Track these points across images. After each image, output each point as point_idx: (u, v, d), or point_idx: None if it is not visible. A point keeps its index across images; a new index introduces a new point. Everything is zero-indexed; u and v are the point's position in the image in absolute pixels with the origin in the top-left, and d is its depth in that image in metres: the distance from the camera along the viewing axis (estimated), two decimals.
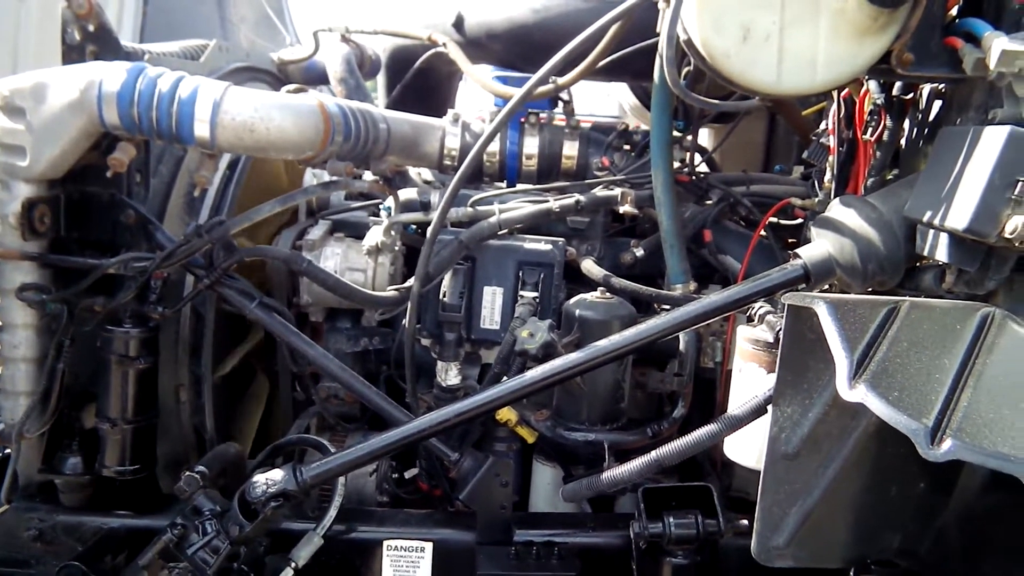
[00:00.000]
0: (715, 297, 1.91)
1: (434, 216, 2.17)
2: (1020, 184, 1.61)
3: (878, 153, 2.10)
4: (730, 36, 1.82)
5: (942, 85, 2.04)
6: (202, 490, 1.96)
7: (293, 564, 1.99)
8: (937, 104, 2.09)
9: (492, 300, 2.32)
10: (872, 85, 2.10)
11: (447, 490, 2.26)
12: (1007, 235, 1.61)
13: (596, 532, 2.17)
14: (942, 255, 1.76)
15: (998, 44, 1.69)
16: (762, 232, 2.36)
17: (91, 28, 2.06)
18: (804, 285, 1.95)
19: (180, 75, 1.97)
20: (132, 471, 2.14)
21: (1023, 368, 1.45)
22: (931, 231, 1.80)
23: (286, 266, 2.15)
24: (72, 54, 2.07)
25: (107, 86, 1.93)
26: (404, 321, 2.21)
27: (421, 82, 2.87)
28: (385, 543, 2.13)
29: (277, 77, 2.84)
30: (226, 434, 2.45)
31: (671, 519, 2.02)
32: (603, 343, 1.91)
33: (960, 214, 1.66)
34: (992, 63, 1.70)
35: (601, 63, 2.18)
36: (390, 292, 2.25)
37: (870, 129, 2.11)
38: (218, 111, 1.95)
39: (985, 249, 1.73)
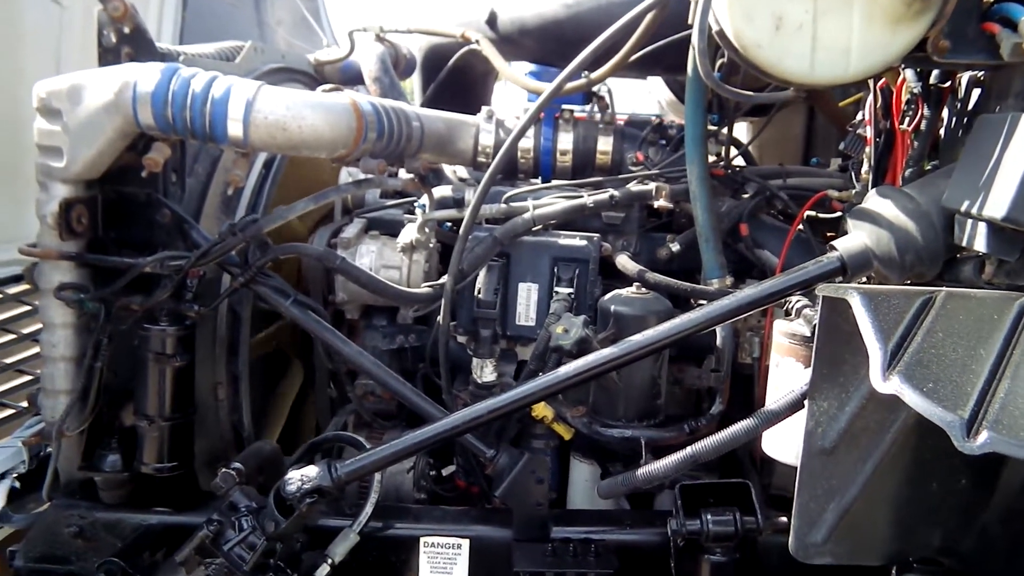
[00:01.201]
0: (750, 291, 1.88)
1: (467, 213, 2.17)
2: None
3: (915, 143, 2.05)
4: (762, 26, 1.79)
5: (981, 73, 1.99)
6: (238, 486, 1.97)
7: (329, 560, 2.00)
8: (976, 93, 2.05)
9: (527, 296, 2.32)
10: (909, 74, 2.06)
11: (484, 487, 2.25)
12: None
13: (633, 529, 2.15)
14: (981, 245, 1.72)
15: None
16: (800, 226, 2.32)
17: (126, 30, 2.08)
18: (841, 278, 1.93)
19: (214, 75, 1.99)
20: (170, 468, 2.16)
21: None
22: (969, 221, 1.76)
23: (320, 264, 2.15)
24: (108, 56, 2.10)
25: (141, 87, 1.95)
26: (439, 318, 2.22)
27: (456, 80, 2.88)
28: (422, 540, 2.13)
29: (313, 78, 2.86)
30: (260, 430, 2.47)
31: (709, 516, 2.00)
32: (637, 338, 1.90)
33: (998, 202, 1.62)
34: None
35: (633, 57, 2.16)
36: (424, 289, 2.25)
37: (907, 119, 2.07)
38: (251, 110, 1.96)
39: (1022, 238, 1.69)
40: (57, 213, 2.03)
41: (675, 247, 2.39)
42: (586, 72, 2.19)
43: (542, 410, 2.22)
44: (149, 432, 2.14)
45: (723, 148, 2.45)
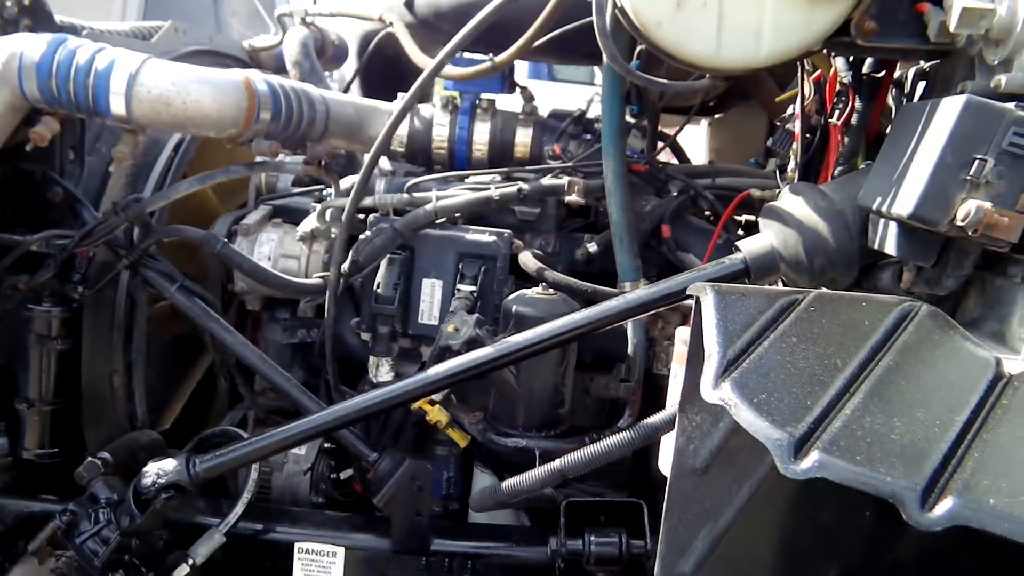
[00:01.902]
0: (642, 292, 1.73)
1: (348, 202, 2.06)
2: (976, 163, 1.38)
3: (846, 139, 1.87)
4: (662, 2, 1.65)
5: (928, 64, 1.81)
6: (102, 477, 1.89)
7: (190, 561, 1.90)
8: (922, 86, 1.87)
9: (431, 293, 2.18)
10: (839, 62, 1.88)
11: (367, 494, 2.13)
12: (959, 222, 1.39)
13: (521, 546, 2.00)
14: (891, 247, 1.54)
15: (959, 2, 1.47)
16: (734, 229, 2.16)
17: (26, 2, 2.03)
18: (746, 280, 1.76)
19: (100, 47, 1.92)
20: (51, 455, 2.09)
21: (935, 377, 1.22)
22: (882, 220, 1.59)
23: (204, 247, 2.06)
24: (8, 28, 2.04)
25: (27, 57, 1.89)
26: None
27: (390, 67, 2.76)
28: (296, 545, 2.02)
29: (245, 63, 2.78)
30: (160, 418, 2.38)
31: (592, 537, 1.85)
32: (517, 338, 1.76)
33: (907, 199, 1.45)
34: (952, 24, 1.48)
35: (541, 40, 2.02)
36: (313, 280, 2.14)
37: (837, 112, 1.89)
38: (134, 83, 1.88)
39: (941, 241, 1.51)
40: None
41: (592, 248, 2.23)
42: (491, 56, 2.07)
43: (436, 414, 2.08)
44: (30, 416, 2.08)
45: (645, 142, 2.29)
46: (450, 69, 2.12)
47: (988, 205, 1.36)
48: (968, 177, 1.37)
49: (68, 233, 2.00)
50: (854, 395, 1.17)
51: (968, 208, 1.36)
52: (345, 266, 2.11)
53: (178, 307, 2.06)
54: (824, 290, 1.41)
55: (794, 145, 1.98)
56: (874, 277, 1.72)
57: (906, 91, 1.92)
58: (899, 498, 0.98)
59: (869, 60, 1.87)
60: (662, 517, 1.55)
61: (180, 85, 1.91)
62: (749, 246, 1.74)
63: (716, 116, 3.00)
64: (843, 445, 1.09)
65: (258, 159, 2.03)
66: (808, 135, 1.99)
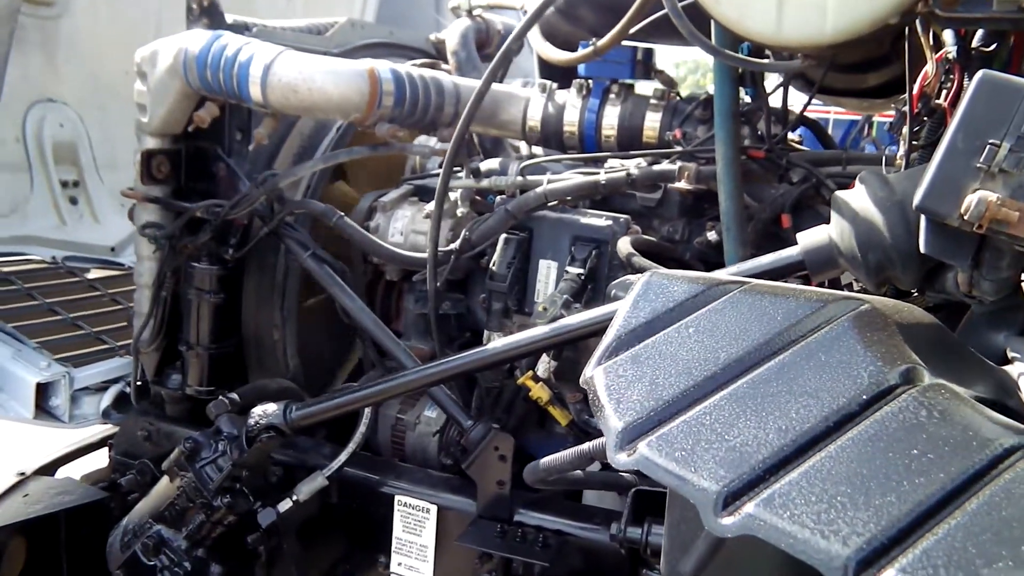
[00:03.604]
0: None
1: (439, 179, 2.16)
2: (989, 148, 1.22)
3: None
4: None
5: None
6: (228, 414, 2.16)
7: (295, 497, 2.13)
8: None
9: (547, 274, 2.24)
10: (948, 36, 1.68)
11: (458, 457, 2.24)
12: (964, 215, 1.24)
13: (599, 527, 2.02)
14: (923, 243, 1.39)
15: None
16: None
17: (205, 4, 2.36)
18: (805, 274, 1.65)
19: (246, 41, 2.19)
20: (208, 391, 2.42)
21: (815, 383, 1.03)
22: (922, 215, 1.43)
23: (322, 219, 2.28)
24: (192, 26, 2.39)
25: (189, 52, 2.21)
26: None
27: None
28: (397, 498, 2.19)
29: (428, 54, 2.97)
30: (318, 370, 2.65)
31: (651, 526, 1.83)
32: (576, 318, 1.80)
33: (921, 188, 1.31)
34: None
35: (641, 24, 1.99)
36: (417, 254, 2.27)
37: (944, 91, 1.70)
38: (268, 73, 2.14)
39: (975, 238, 1.33)
40: (139, 162, 2.37)
41: (712, 236, 2.16)
42: (593, 40, 2.07)
43: (538, 391, 2.15)
44: (191, 357, 2.42)
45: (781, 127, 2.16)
46: (554, 54, 2.16)
47: (993, 197, 1.19)
48: (979, 164, 1.21)
49: (223, 202, 2.31)
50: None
51: (970, 201, 1.20)
52: (457, 244, 2.24)
53: (309, 272, 2.30)
54: (763, 282, 1.28)
55: (904, 129, 1.80)
56: (941, 279, 1.54)
57: None
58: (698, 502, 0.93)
59: (979, 33, 1.66)
60: (665, 512, 1.53)
61: (306, 74, 2.13)
62: (807, 238, 1.63)
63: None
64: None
65: (391, 142, 2.20)
66: (926, 118, 1.81)
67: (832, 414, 0.96)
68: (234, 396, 2.19)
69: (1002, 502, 0.83)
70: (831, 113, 7.84)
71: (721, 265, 2.07)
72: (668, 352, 1.13)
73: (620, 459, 1.01)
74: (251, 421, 2.07)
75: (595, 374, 1.14)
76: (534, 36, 2.46)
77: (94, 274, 3.38)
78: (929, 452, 0.89)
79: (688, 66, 26.03)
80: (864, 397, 0.97)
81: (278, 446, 2.13)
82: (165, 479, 2.18)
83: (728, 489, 0.91)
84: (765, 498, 0.89)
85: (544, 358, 2.20)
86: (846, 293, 1.21)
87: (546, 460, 1.81)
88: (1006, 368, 1.32)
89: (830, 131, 3.08)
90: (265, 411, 2.07)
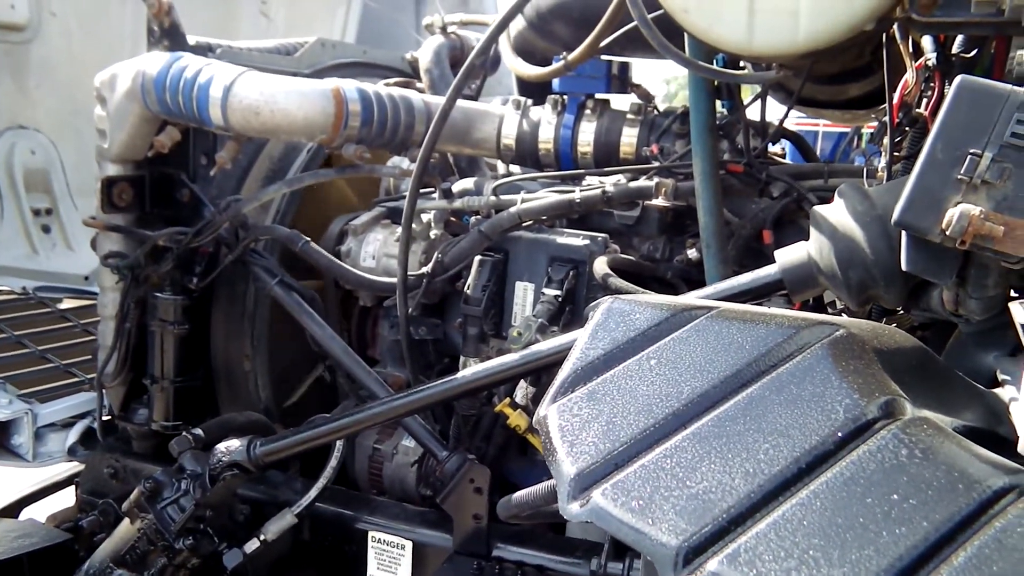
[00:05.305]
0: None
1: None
2: (970, 158, 1.14)
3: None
4: None
5: None
6: (191, 451, 2.07)
7: (262, 537, 2.03)
8: None
9: (524, 297, 2.16)
10: (926, 42, 1.61)
11: (436, 490, 2.15)
12: (945, 230, 1.16)
13: (579, 561, 1.93)
14: (903, 259, 1.31)
15: None
16: None
17: (165, 25, 2.28)
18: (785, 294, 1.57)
19: (206, 62, 2.12)
20: (173, 427, 2.33)
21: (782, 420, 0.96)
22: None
23: (288, 245, 2.20)
24: (153, 48, 2.31)
25: (147, 75, 2.14)
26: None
27: None
28: (371, 535, 2.10)
29: (405, 73, 2.90)
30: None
31: (633, 562, 1.75)
32: (543, 345, 1.71)
33: (900, 202, 1.23)
34: None
35: (613, 36, 1.92)
36: (387, 279, 2.19)
37: (924, 100, 1.62)
38: (228, 95, 2.06)
39: (960, 254, 1.25)
40: (99, 189, 2.28)
41: (693, 254, 2.08)
42: (564, 54, 1.99)
43: (516, 419, 2.06)
44: (155, 391, 2.34)
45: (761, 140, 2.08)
46: (525, 69, 2.08)
47: (976, 210, 1.11)
48: (960, 176, 1.13)
49: (186, 230, 2.23)
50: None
51: (952, 215, 1.12)
52: (429, 267, 2.16)
53: (277, 299, 2.21)
54: (732, 306, 1.20)
55: (884, 139, 1.73)
56: (926, 297, 1.46)
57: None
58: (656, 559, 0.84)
59: (960, 38, 1.59)
60: None
61: (267, 95, 2.05)
62: (785, 256, 1.55)
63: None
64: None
65: (358, 164, 2.12)
66: (908, 128, 1.73)
67: (804, 455, 0.88)
68: (198, 432, 2.10)
69: (993, 554, 0.74)
70: (820, 125, 7.78)
71: (704, 283, 1.99)
72: (627, 387, 1.05)
73: (572, 509, 0.92)
74: (214, 459, 1.98)
75: (548, 413, 1.05)
76: (505, 51, 2.39)
77: (66, 304, 3.29)
78: (911, 497, 0.81)
79: (679, 82, 25.95)
80: (839, 435, 0.89)
81: (244, 483, 2.04)
82: (127, 521, 2.08)
83: (689, 544, 0.82)
84: (730, 554, 0.80)
85: (522, 384, 2.12)
86: (821, 317, 1.12)
87: (519, 495, 1.72)
88: (996, 391, 1.24)
89: (819, 143, 3.02)
90: (228, 447, 1.99)
